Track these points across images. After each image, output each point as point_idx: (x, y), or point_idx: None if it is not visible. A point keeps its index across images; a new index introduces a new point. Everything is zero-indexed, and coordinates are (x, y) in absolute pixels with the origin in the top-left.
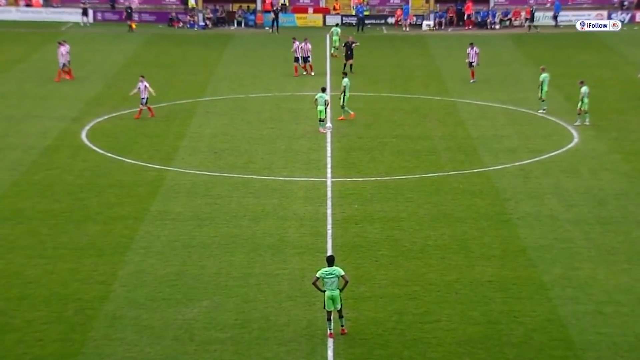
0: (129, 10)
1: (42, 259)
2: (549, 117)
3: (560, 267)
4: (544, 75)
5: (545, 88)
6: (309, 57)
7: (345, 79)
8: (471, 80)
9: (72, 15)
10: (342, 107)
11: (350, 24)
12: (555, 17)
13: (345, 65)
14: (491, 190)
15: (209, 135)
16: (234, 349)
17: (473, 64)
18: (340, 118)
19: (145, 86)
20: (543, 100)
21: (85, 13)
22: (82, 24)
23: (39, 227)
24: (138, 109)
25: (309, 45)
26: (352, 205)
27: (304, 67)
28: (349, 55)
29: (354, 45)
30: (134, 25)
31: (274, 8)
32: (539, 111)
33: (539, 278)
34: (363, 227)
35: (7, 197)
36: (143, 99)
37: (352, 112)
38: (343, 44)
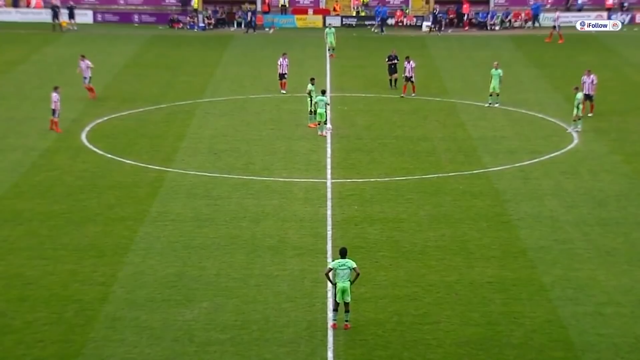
0: (56, 10)
1: (42, 260)
2: (549, 118)
3: (560, 268)
4: (498, 71)
5: (498, 82)
6: (285, 73)
7: (311, 86)
8: (412, 94)
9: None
10: (311, 112)
11: (350, 25)
12: (535, 18)
13: (391, 80)
14: (491, 191)
15: (209, 137)
16: (233, 350)
17: (411, 78)
18: (312, 125)
19: (57, 98)
20: (498, 95)
21: (71, 15)
22: (72, 28)
23: (39, 229)
24: (53, 121)
25: (287, 61)
26: (352, 206)
27: (281, 84)
28: (392, 69)
29: (396, 61)
30: (64, 24)
31: (248, 9)
32: (494, 105)
33: (539, 279)
34: (363, 228)
35: (7, 199)
36: (54, 110)
37: (314, 123)
38: (386, 58)
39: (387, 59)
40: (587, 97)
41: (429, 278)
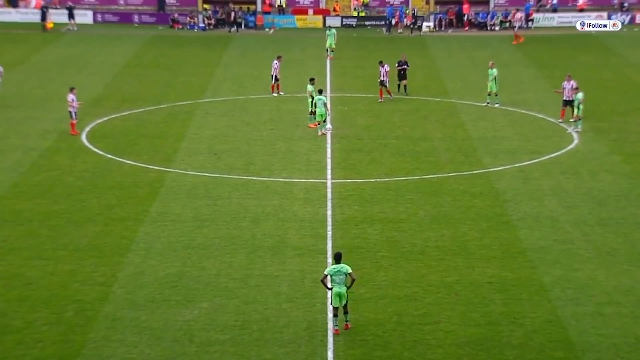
0: (44, 10)
1: (42, 261)
2: (549, 118)
3: (560, 269)
4: (493, 71)
5: (494, 82)
6: (274, 75)
7: (311, 86)
8: (379, 100)
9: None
10: (311, 113)
11: (350, 26)
12: (526, 18)
13: (399, 86)
14: (491, 191)
15: (209, 137)
16: (233, 351)
17: (385, 82)
18: (312, 125)
19: (73, 99)
20: (497, 94)
21: (71, 15)
22: (71, 28)
23: (39, 229)
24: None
25: (278, 65)
26: (352, 206)
27: (272, 87)
28: (401, 75)
29: (406, 67)
30: (49, 25)
31: (232, 8)
32: (494, 105)
33: (539, 279)
34: (363, 229)
35: (7, 199)
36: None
37: (315, 123)
38: (396, 63)
39: (397, 65)
40: (567, 103)
41: (429, 278)
